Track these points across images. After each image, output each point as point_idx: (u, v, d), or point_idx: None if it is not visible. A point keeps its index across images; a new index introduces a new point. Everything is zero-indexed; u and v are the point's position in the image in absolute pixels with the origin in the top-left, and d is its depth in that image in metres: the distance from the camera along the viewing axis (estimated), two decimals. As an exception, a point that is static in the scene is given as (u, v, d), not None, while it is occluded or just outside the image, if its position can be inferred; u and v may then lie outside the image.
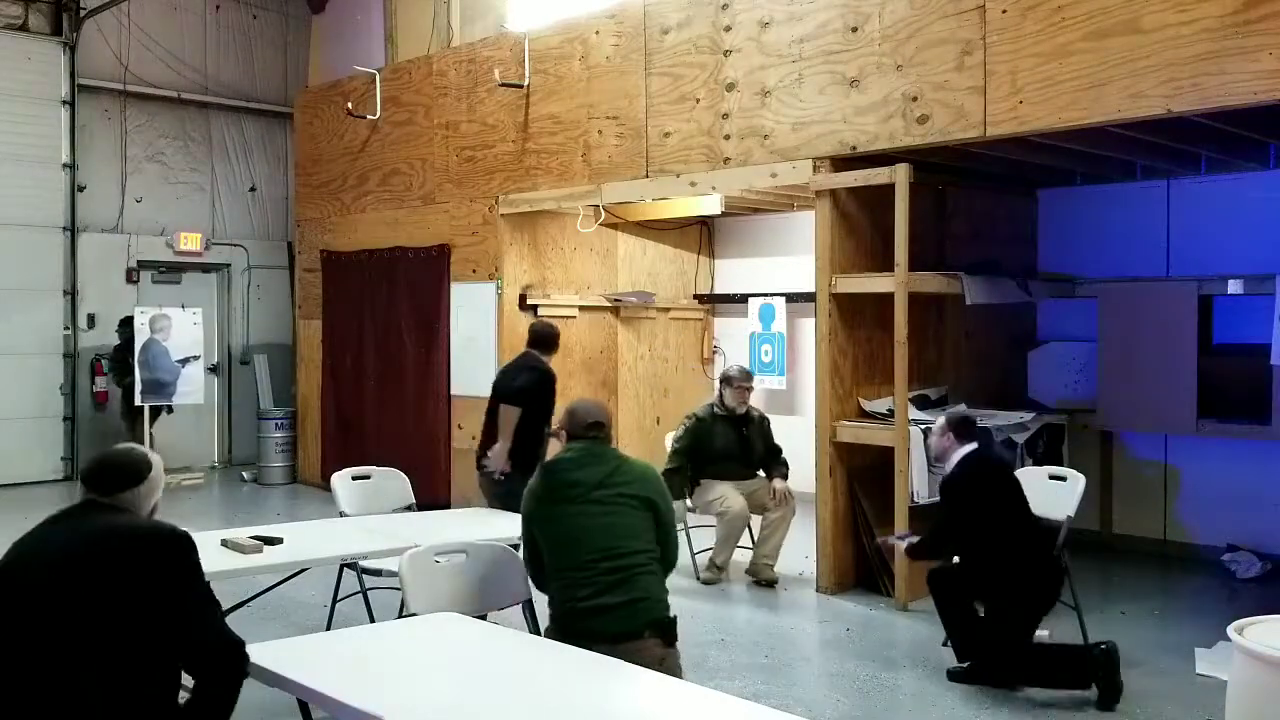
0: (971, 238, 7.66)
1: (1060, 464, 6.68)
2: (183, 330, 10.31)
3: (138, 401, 10.06)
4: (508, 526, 5.14)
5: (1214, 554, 7.17)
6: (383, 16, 10.54)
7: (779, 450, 7.04)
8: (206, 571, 3.06)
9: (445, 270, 9.25)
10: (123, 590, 2.68)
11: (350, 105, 10.03)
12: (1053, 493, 5.52)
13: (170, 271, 11.66)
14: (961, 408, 7.15)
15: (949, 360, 7.61)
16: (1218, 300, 7.23)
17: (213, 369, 11.78)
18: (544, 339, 6.53)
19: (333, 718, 2.83)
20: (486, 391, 9.04)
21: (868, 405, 6.76)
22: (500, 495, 6.01)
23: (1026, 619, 4.83)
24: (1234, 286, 6.94)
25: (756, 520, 6.90)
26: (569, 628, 3.45)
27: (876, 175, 6.30)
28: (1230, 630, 3.23)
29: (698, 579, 6.87)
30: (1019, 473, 5.49)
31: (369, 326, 10.03)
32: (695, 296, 10.22)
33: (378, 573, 5.04)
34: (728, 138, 7.14)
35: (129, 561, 2.72)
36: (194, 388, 10.40)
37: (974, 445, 5.05)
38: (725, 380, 7.04)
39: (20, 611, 2.68)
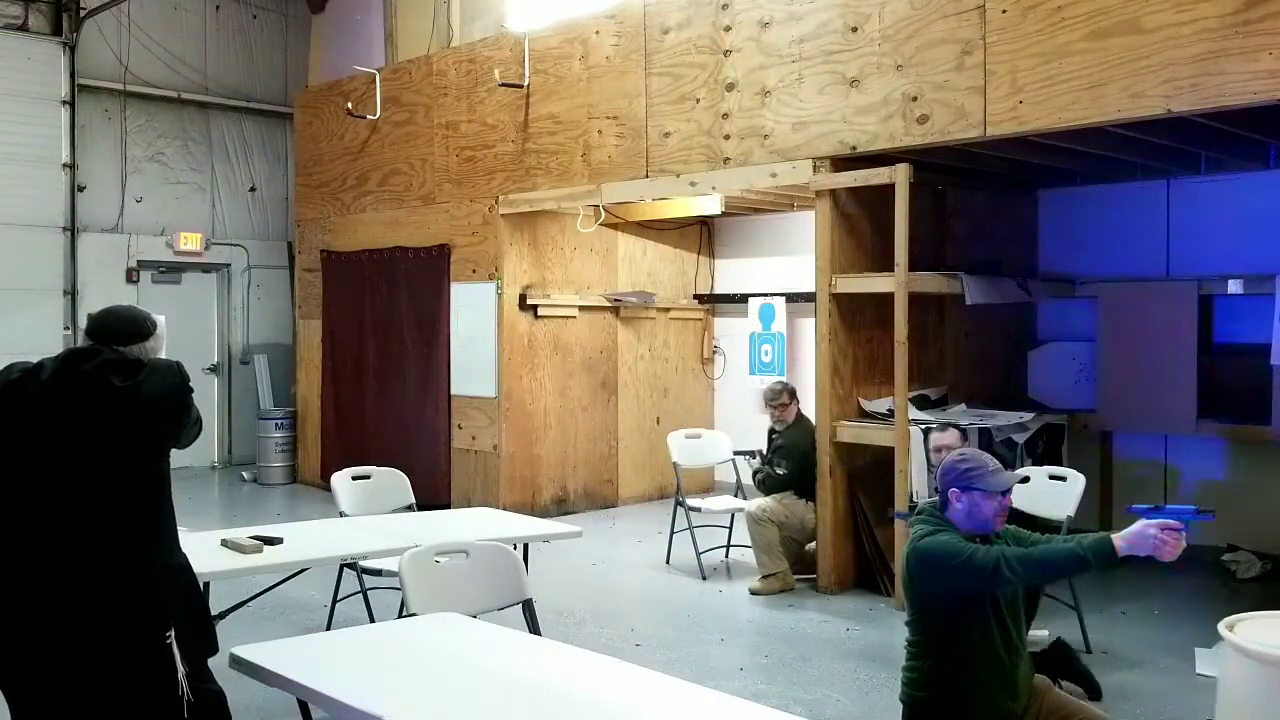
0: (971, 238, 7.66)
1: (1060, 464, 6.67)
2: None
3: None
4: (507, 526, 5.14)
5: (1214, 554, 7.17)
6: (383, 16, 10.53)
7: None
8: (207, 571, 3.11)
9: (445, 270, 9.25)
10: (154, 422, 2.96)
11: (350, 105, 10.03)
12: (1053, 493, 5.52)
13: (170, 271, 11.66)
14: (961, 407, 7.18)
15: (949, 360, 7.61)
16: (1218, 300, 7.23)
17: (213, 369, 11.79)
18: None
19: (333, 718, 2.83)
20: (487, 392, 9.07)
21: (868, 405, 6.76)
22: None
23: None
24: (1234, 286, 6.94)
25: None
26: None
27: (876, 175, 6.30)
28: (1220, 627, 3.22)
29: (702, 578, 6.89)
30: (1016, 473, 5.48)
31: (369, 326, 10.02)
32: (695, 296, 10.22)
33: (378, 573, 5.04)
34: (728, 138, 7.14)
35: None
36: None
37: None
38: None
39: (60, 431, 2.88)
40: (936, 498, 3.38)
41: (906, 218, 6.08)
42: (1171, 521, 2.98)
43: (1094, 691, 4.74)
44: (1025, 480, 5.38)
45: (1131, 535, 3.01)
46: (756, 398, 8.36)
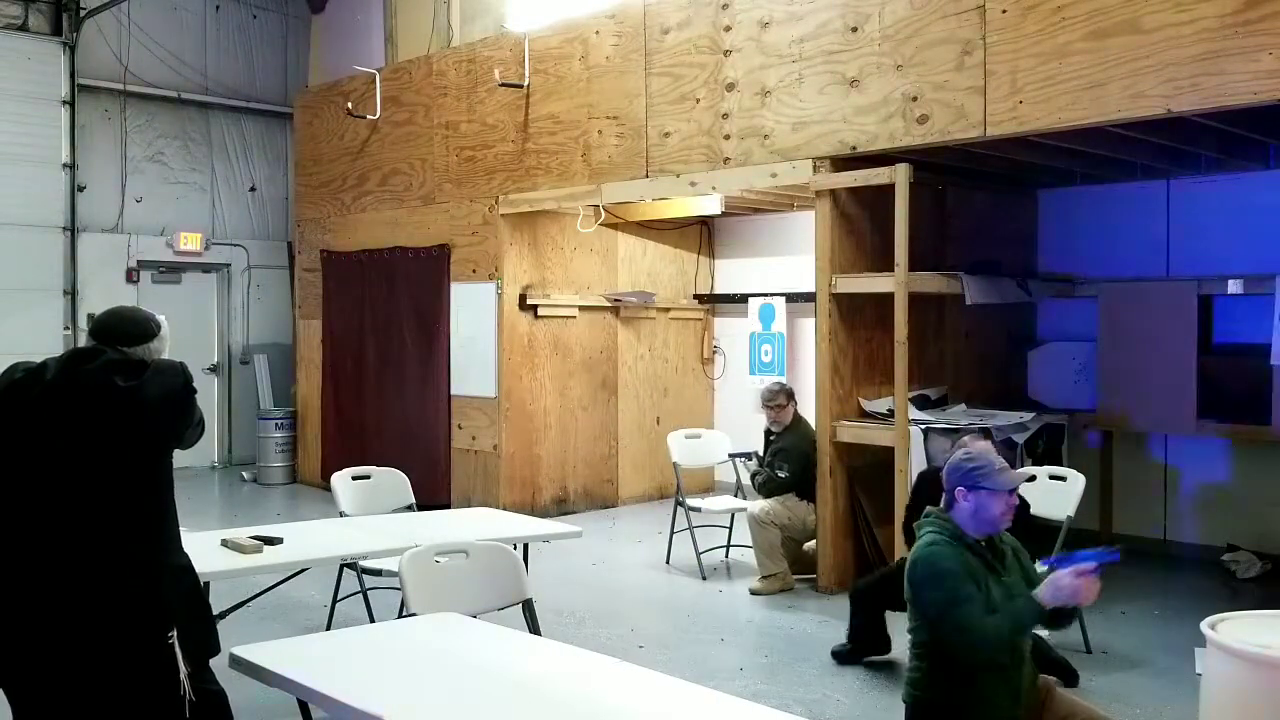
0: (971, 238, 7.66)
1: (1060, 464, 6.67)
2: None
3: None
4: (507, 526, 5.14)
5: (1214, 554, 7.17)
6: (383, 16, 10.53)
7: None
8: (207, 571, 3.11)
9: (445, 270, 9.25)
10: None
11: (350, 105, 10.03)
12: (1053, 493, 5.52)
13: (170, 271, 11.66)
14: (961, 407, 7.18)
15: (949, 360, 7.61)
16: (1218, 300, 7.22)
17: (213, 369, 11.79)
18: None
19: (333, 718, 2.83)
20: (487, 392, 9.07)
21: (868, 405, 6.76)
22: None
23: None
24: (1234, 286, 6.93)
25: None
26: None
27: (876, 175, 6.30)
28: (1204, 625, 3.23)
29: (702, 578, 6.90)
30: (1023, 471, 5.49)
31: (369, 326, 10.03)
32: (695, 296, 10.22)
33: (378, 573, 5.04)
34: (728, 138, 7.14)
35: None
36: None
37: None
38: None
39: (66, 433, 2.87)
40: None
41: (906, 218, 6.08)
42: (1084, 565, 3.05)
43: (1070, 679, 4.80)
44: (1032, 479, 5.39)
45: (1048, 587, 3.08)
46: (756, 398, 8.34)
